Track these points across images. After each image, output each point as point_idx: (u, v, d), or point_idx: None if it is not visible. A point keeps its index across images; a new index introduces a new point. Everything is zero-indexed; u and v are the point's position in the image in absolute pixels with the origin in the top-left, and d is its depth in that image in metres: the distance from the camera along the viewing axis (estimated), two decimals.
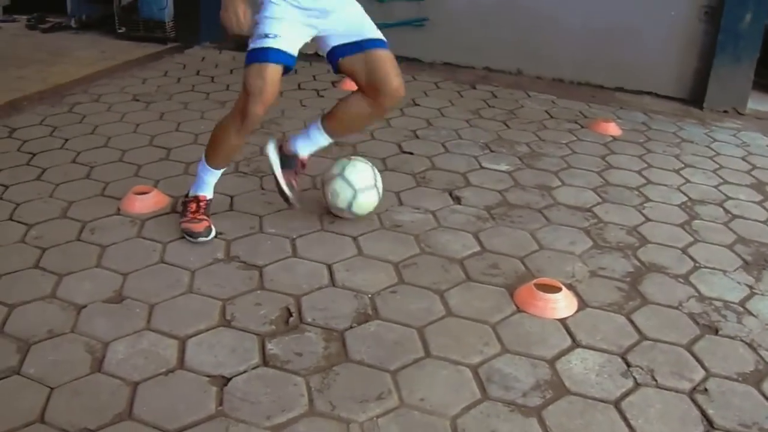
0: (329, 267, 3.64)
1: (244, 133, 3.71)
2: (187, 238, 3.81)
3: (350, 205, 4.01)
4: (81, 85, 6.27)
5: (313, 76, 6.82)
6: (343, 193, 3.99)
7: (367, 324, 3.21)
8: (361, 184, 4.02)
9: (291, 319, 3.21)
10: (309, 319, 3.22)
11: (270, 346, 3.02)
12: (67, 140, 5.07)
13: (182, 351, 2.98)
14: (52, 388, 2.75)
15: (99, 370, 2.86)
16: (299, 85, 6.55)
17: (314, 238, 3.92)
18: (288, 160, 3.96)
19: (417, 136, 5.48)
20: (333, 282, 3.52)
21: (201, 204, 3.87)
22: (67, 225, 3.94)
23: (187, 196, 3.94)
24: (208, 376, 2.84)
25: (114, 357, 2.93)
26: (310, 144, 3.99)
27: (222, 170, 3.91)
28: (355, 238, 3.91)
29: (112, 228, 3.92)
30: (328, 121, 3.92)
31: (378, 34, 3.72)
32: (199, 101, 6.02)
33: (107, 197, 4.26)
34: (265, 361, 2.94)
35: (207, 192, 3.90)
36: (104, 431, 2.57)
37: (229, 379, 2.83)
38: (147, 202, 4.13)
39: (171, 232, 3.89)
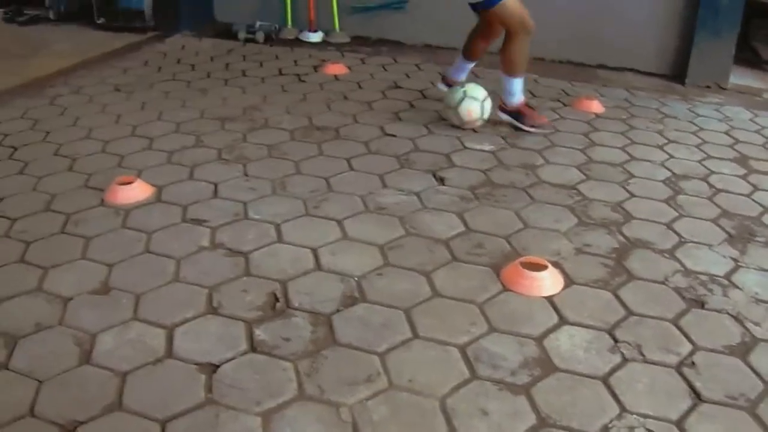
0: (314, 251, 3.64)
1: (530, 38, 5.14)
2: (540, 130, 5.21)
3: (459, 104, 5.15)
4: (61, 77, 6.23)
5: (294, 62, 6.81)
6: (456, 94, 5.22)
7: (353, 307, 3.21)
8: (472, 93, 5.20)
9: (278, 304, 3.21)
10: (296, 304, 3.22)
11: (258, 332, 3.02)
12: (48, 133, 5.04)
13: (170, 340, 2.97)
14: (40, 382, 2.74)
15: (87, 361, 2.85)
16: (280, 71, 6.53)
17: (299, 222, 3.92)
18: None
19: (399, 119, 5.47)
20: (319, 266, 3.52)
21: (528, 104, 5.27)
22: (51, 218, 3.92)
23: (506, 109, 5.29)
24: (197, 364, 2.84)
25: (102, 348, 2.92)
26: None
27: None
28: (339, 222, 3.91)
29: (97, 219, 3.91)
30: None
31: None
32: (181, 90, 6.00)
33: (91, 189, 4.24)
34: (253, 347, 2.94)
35: (523, 95, 5.26)
36: (94, 423, 2.56)
37: (217, 367, 2.82)
38: (131, 192, 4.11)
39: (156, 221, 3.88)
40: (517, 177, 4.54)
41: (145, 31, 7.64)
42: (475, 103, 5.14)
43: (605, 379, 2.82)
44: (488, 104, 5.19)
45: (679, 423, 2.63)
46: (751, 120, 5.79)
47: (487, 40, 5.57)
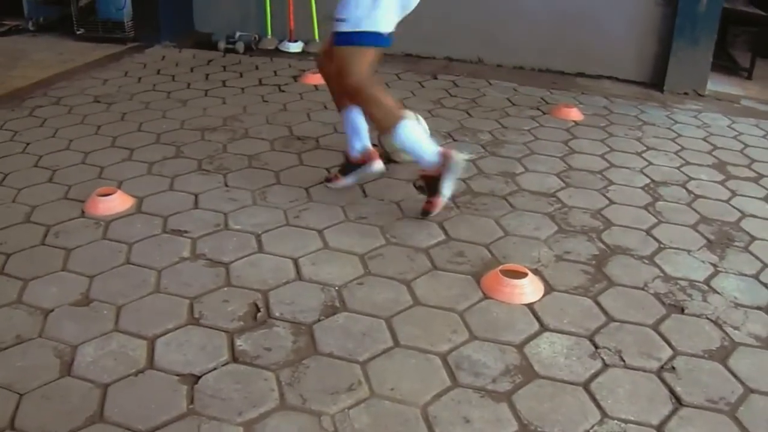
0: (295, 261, 3.64)
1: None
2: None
3: None
4: (41, 88, 6.22)
5: (274, 72, 6.82)
6: None
7: (335, 316, 3.21)
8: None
9: (259, 314, 3.21)
10: (277, 314, 3.21)
11: (239, 342, 3.02)
12: (28, 144, 5.02)
13: (151, 351, 2.97)
14: (21, 395, 2.72)
15: (68, 373, 2.84)
16: (260, 81, 6.54)
17: (279, 233, 3.92)
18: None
19: None
20: (300, 276, 3.52)
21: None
22: (31, 229, 3.91)
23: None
24: (178, 375, 2.83)
25: (83, 360, 2.91)
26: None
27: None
28: (320, 232, 3.91)
29: (77, 231, 3.90)
30: None
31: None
32: (161, 100, 5.99)
33: (71, 200, 4.23)
34: (235, 357, 2.94)
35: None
36: None
37: (199, 377, 2.82)
38: (111, 203, 4.10)
39: (136, 232, 3.87)
40: (497, 185, 4.55)
41: (125, 42, 7.64)
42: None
43: (586, 385, 2.84)
44: (422, 121, 4.67)
45: (660, 428, 2.64)
46: (728, 126, 5.84)
47: None
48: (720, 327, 3.23)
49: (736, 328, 3.22)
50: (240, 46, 7.47)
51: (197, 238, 3.83)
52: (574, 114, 5.87)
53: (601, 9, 6.81)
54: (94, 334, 3.06)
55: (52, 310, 3.22)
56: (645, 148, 5.27)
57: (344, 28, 3.87)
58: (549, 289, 3.47)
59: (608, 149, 5.22)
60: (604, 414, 2.70)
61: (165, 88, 6.32)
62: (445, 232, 3.95)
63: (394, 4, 3.92)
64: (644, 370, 2.94)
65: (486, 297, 3.38)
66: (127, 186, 4.37)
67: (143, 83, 6.45)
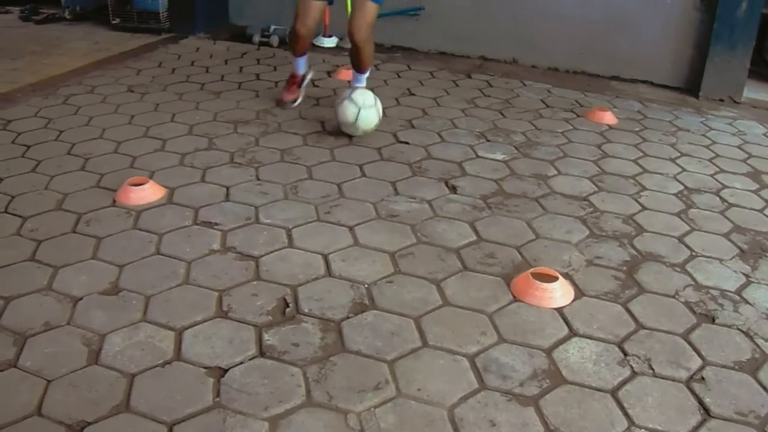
0: (325, 257, 3.63)
1: None
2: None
3: (356, 119, 5.01)
4: (75, 76, 6.26)
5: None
6: (350, 110, 5.01)
7: (363, 314, 3.21)
8: (364, 103, 5.02)
9: (288, 309, 3.21)
10: (305, 310, 3.21)
11: (267, 337, 3.02)
12: (61, 132, 5.06)
13: (179, 342, 2.97)
14: (49, 381, 2.74)
15: (96, 362, 2.85)
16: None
17: (310, 228, 3.91)
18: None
19: (413, 126, 5.47)
20: (329, 272, 3.51)
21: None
22: (62, 217, 3.93)
23: None
24: (205, 368, 2.83)
25: (110, 349, 2.92)
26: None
27: None
28: (351, 228, 3.91)
29: (108, 220, 3.91)
30: None
31: None
32: (194, 92, 6.01)
33: (102, 189, 4.25)
34: (262, 351, 2.94)
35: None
36: (102, 423, 2.56)
37: (226, 371, 2.82)
38: (142, 193, 4.11)
39: (167, 223, 3.88)
40: (529, 187, 4.53)
41: (159, 33, 7.68)
42: (372, 110, 5.10)
43: (614, 393, 2.81)
44: (379, 103, 5.18)
45: None
46: (764, 134, 5.79)
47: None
48: (751, 338, 3.19)
49: (767, 340, 3.18)
50: (274, 40, 7.48)
51: (227, 230, 3.84)
52: (608, 118, 5.83)
53: (638, 12, 6.76)
54: (122, 324, 3.07)
55: (81, 299, 3.23)
56: (679, 155, 5.22)
57: None
58: (579, 293, 3.45)
59: (641, 154, 5.19)
60: (631, 422, 2.67)
61: (199, 79, 6.34)
62: (477, 233, 3.94)
63: None
64: (673, 380, 2.91)
65: (516, 300, 3.36)
66: (158, 176, 4.38)
67: (177, 74, 6.47)
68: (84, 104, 5.61)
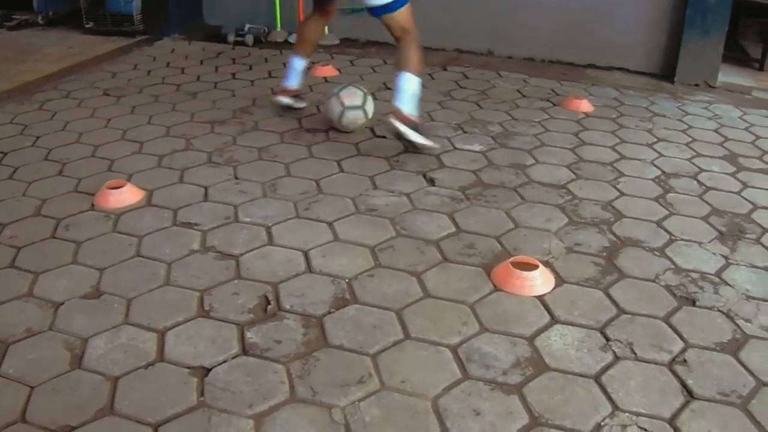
0: (305, 253, 3.63)
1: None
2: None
3: (339, 118, 5.07)
4: (50, 81, 6.23)
5: (284, 64, 6.75)
6: (335, 108, 5.07)
7: (345, 309, 3.21)
8: (349, 103, 5.06)
9: (269, 307, 3.21)
10: (287, 306, 3.21)
11: (249, 335, 3.02)
12: (38, 138, 5.03)
13: (161, 344, 2.97)
14: (32, 387, 2.73)
15: (79, 366, 2.84)
16: (270, 73, 6.53)
17: (290, 225, 3.91)
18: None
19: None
20: (310, 268, 3.52)
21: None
22: (41, 223, 3.92)
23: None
24: (189, 368, 2.83)
25: (93, 353, 2.91)
26: None
27: None
28: (330, 224, 3.91)
29: (87, 224, 3.90)
30: None
31: None
32: (170, 93, 5.99)
33: (81, 193, 4.23)
34: (245, 350, 2.94)
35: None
36: (86, 427, 2.55)
37: (209, 370, 2.82)
38: (121, 196, 4.10)
39: (146, 225, 3.87)
40: (507, 177, 4.54)
41: (134, 35, 7.64)
42: (358, 111, 5.12)
43: (597, 378, 2.83)
44: (370, 104, 5.20)
45: (672, 420, 2.63)
46: (740, 118, 5.81)
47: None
48: (732, 319, 3.21)
49: (747, 321, 3.20)
50: (249, 39, 7.46)
51: (207, 230, 3.83)
52: (585, 105, 5.85)
53: (612, 0, 6.77)
54: (104, 327, 3.06)
55: (63, 303, 3.22)
56: (656, 140, 5.25)
57: (382, 2, 4.72)
58: (560, 281, 3.46)
59: (619, 141, 5.21)
60: (615, 406, 2.69)
61: (174, 80, 6.32)
62: (456, 224, 3.94)
63: None
64: (655, 363, 2.92)
65: (496, 289, 3.37)
66: (137, 179, 4.37)
67: (153, 76, 6.45)
68: (60, 109, 5.59)
